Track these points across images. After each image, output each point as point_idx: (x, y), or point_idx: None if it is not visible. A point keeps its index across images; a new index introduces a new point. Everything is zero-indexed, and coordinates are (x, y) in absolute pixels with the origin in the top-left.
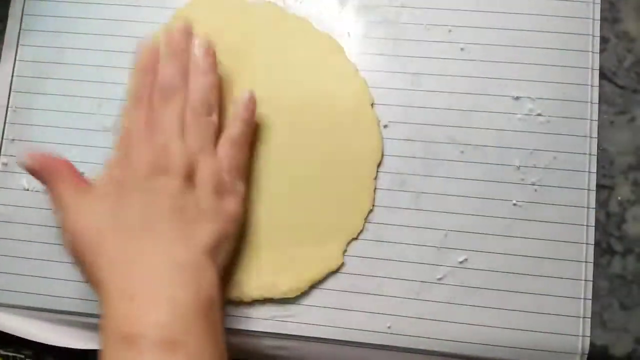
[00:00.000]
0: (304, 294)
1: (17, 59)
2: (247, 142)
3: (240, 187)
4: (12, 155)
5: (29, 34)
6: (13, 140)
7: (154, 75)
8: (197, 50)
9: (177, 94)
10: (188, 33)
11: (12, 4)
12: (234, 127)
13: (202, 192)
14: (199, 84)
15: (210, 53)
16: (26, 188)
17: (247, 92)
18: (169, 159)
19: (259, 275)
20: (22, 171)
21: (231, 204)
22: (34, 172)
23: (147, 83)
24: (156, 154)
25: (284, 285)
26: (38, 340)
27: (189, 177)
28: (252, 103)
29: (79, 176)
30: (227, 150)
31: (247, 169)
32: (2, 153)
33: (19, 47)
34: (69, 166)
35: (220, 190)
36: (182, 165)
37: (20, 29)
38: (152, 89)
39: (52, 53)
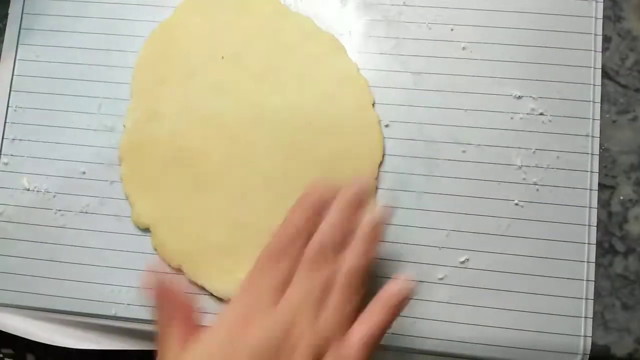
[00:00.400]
0: None
1: (17, 58)
2: (381, 337)
3: None
4: (12, 155)
5: (29, 33)
6: (13, 139)
7: (312, 228)
8: (368, 226)
9: (329, 263)
10: (364, 200)
11: (12, 3)
12: (375, 320)
13: None
14: (356, 262)
15: (379, 232)
16: (27, 188)
17: (400, 283)
18: (293, 346)
19: None
20: (23, 171)
21: None
22: (150, 297)
23: (297, 241)
24: (280, 333)
25: None
26: (38, 340)
27: None
28: (402, 295)
29: (192, 321)
30: (356, 351)
31: None
32: (2, 153)
33: (19, 46)
34: (186, 308)
35: None
36: (307, 357)
37: (20, 28)
38: (300, 249)
39: (52, 52)
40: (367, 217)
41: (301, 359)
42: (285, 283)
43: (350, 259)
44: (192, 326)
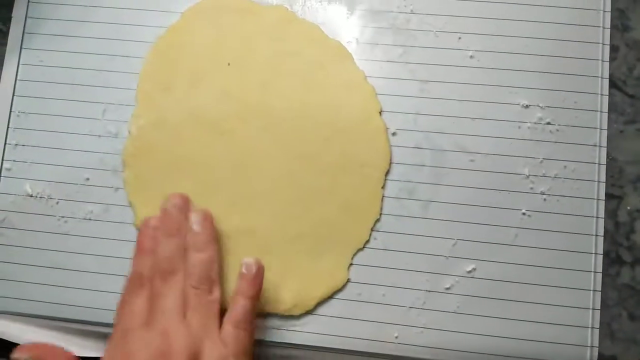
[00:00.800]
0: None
1: (20, 62)
2: (253, 320)
3: None
4: (15, 161)
5: (32, 38)
6: (16, 145)
7: (154, 256)
8: (195, 225)
9: (176, 274)
10: (183, 208)
11: (15, 6)
12: (238, 307)
13: None
14: (197, 261)
15: (207, 226)
16: (30, 194)
17: (254, 265)
18: (171, 345)
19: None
20: (26, 176)
21: None
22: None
23: (146, 265)
24: (157, 341)
25: (287, 303)
26: None
27: None
28: (258, 278)
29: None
30: (231, 332)
31: (253, 348)
32: (5, 158)
33: (23, 50)
34: (67, 357)
35: None
36: (185, 352)
37: (23, 33)
38: (152, 271)
39: (55, 57)
40: (193, 216)
41: (178, 354)
42: (149, 307)
43: (191, 256)
44: None
